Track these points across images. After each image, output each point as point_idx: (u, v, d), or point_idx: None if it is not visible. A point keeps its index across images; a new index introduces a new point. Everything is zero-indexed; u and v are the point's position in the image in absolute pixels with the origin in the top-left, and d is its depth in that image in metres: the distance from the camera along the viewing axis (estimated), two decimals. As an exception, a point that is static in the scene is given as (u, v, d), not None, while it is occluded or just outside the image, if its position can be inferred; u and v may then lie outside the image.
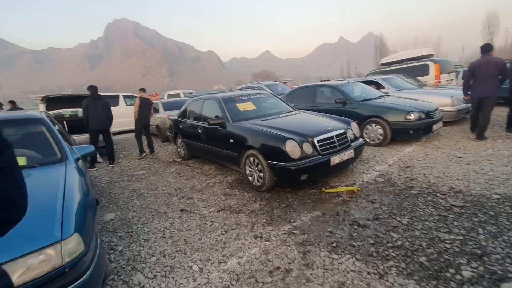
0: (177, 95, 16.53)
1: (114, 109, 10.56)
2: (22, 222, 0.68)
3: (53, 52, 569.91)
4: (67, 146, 2.55)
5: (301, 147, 3.30)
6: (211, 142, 4.63)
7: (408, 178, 3.70)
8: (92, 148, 2.72)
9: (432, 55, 10.78)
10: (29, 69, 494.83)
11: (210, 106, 4.84)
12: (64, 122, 6.31)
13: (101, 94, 11.51)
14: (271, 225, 2.80)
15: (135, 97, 10.60)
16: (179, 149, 6.08)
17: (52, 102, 6.93)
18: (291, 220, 2.85)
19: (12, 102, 11.37)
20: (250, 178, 3.85)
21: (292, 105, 5.21)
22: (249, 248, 2.41)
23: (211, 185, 4.20)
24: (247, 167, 3.85)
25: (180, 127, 5.71)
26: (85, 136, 5.92)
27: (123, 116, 10.85)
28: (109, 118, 5.83)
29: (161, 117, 8.29)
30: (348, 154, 3.64)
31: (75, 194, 1.91)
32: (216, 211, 3.25)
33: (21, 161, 2.28)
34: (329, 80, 11.11)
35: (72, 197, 1.85)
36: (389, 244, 2.28)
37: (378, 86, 7.54)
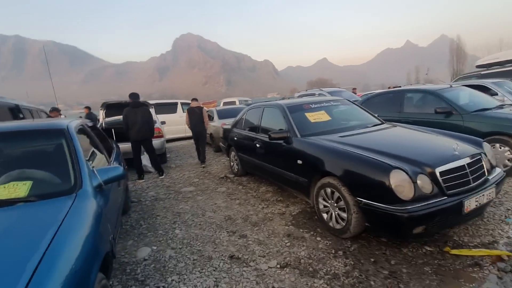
0: (233, 103, 16.29)
1: (171, 116, 10.68)
2: None
3: (130, 65, 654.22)
4: (87, 168, 1.87)
5: (414, 182, 2.11)
6: (272, 160, 3.70)
7: None
8: (120, 171, 2.02)
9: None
10: (111, 80, 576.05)
11: (272, 115, 3.93)
12: (112, 130, 6.13)
13: (162, 101, 11.82)
14: (373, 315, 1.69)
15: (191, 104, 10.46)
16: (232, 163, 5.31)
17: (110, 108, 6.93)
18: (409, 311, 1.69)
19: (88, 108, 12.38)
20: (324, 215, 2.78)
21: (376, 115, 3.97)
22: None
23: (269, 217, 3.24)
24: (320, 199, 2.79)
25: (235, 138, 4.94)
26: (129, 145, 5.56)
27: (180, 123, 10.76)
28: (150, 126, 5.29)
29: (216, 126, 7.75)
30: (488, 194, 2.31)
31: (61, 260, 1.14)
32: (279, 266, 2.26)
33: (24, 187, 1.64)
34: (399, 87, 9.34)
35: (51, 269, 1.08)
36: None
37: (485, 92, 5.72)
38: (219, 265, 2.35)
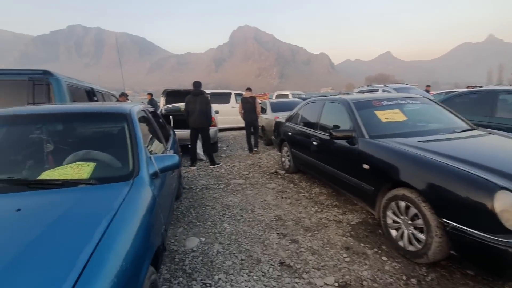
0: (285, 96, 15.96)
1: (225, 106, 10.86)
2: None
3: (190, 56, 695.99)
4: (145, 155, 1.83)
5: (529, 209, 1.61)
6: (330, 161, 3.36)
7: None
8: (175, 159, 1.95)
9: None
10: (172, 70, 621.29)
11: (334, 111, 3.57)
12: (171, 117, 6.36)
13: (217, 91, 12.09)
14: None
15: (245, 95, 10.45)
16: (283, 159, 5.09)
17: (171, 95, 7.24)
18: None
19: (150, 94, 13.35)
20: (393, 232, 2.38)
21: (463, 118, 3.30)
22: None
23: (324, 223, 2.95)
24: (389, 213, 2.39)
25: (289, 133, 4.68)
26: (185, 132, 5.74)
27: (232, 114, 10.87)
28: (207, 115, 5.34)
29: (268, 118, 7.58)
30: None
31: (112, 253, 1.06)
32: (337, 285, 1.97)
33: (87, 168, 1.65)
34: (480, 87, 7.86)
35: (102, 262, 1.00)
36: None
37: None
38: (268, 270, 2.17)
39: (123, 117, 2.05)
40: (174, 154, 2.05)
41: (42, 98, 3.77)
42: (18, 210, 1.26)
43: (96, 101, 4.99)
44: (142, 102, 12.68)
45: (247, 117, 6.45)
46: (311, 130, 3.90)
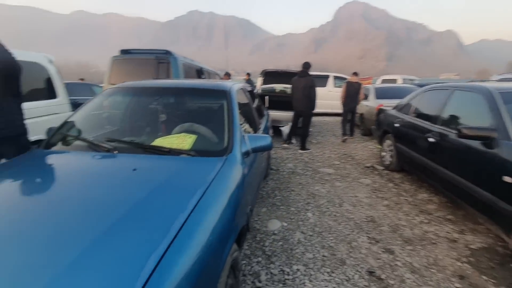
0: (394, 81, 13.93)
1: (320, 90, 10.16)
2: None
3: (289, 37, 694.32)
4: (240, 133, 1.84)
5: None
6: (451, 164, 2.69)
7: None
8: (268, 141, 1.90)
9: None
10: (271, 51, 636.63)
11: (465, 102, 2.80)
12: (266, 97, 6.40)
13: (313, 73, 11.54)
14: None
15: (345, 79, 9.60)
16: (383, 153, 4.47)
17: (269, 76, 7.32)
18: None
19: (248, 74, 14.01)
20: (541, 275, 1.73)
21: None
22: None
23: (431, 238, 2.43)
24: (539, 248, 1.73)
25: (395, 125, 4.02)
26: (278, 114, 5.87)
27: (328, 98, 10.27)
28: (310, 100, 5.07)
29: (369, 106, 6.76)
30: None
31: (201, 226, 1.09)
32: (442, 320, 1.59)
33: (189, 140, 1.78)
34: None
35: (192, 234, 1.02)
36: None
37: None
38: (353, 276, 1.94)
39: (223, 94, 2.11)
40: (267, 135, 2.00)
41: (164, 74, 4.40)
42: (134, 170, 1.45)
43: (204, 78, 5.52)
44: (230, 78, 13.51)
45: (348, 102, 6.06)
46: (429, 123, 3.20)
